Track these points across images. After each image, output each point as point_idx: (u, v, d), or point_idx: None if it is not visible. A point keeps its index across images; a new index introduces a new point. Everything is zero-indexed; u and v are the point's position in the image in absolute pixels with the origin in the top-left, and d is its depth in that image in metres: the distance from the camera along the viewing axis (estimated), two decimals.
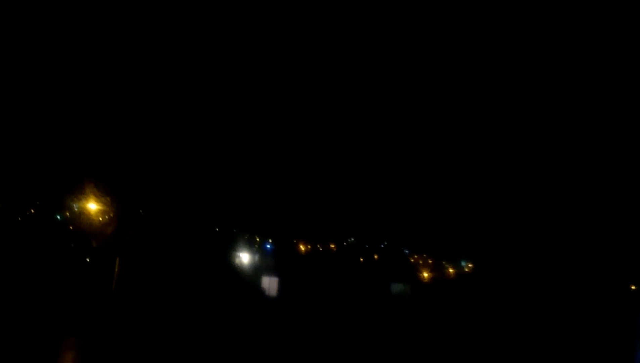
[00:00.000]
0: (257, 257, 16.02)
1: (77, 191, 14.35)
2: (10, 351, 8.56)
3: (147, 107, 14.56)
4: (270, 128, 15.59)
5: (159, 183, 14.79)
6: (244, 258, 15.49)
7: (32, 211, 14.80)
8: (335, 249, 18.49)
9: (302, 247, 17.83)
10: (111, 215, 14.29)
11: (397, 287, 16.61)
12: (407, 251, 18.43)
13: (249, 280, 14.82)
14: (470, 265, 18.70)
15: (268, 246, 17.29)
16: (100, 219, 14.31)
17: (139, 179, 14.57)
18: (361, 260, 18.42)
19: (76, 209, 14.52)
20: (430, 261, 18.24)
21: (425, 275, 17.61)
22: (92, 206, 14.17)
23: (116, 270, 13.34)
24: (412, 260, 18.42)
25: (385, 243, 18.76)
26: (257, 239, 17.05)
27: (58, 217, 14.79)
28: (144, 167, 14.69)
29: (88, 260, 13.88)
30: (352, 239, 18.88)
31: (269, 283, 15.09)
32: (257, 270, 15.44)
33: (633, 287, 17.66)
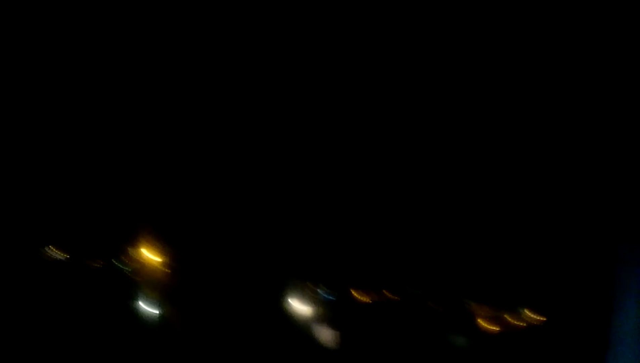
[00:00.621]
0: (313, 307, 15.93)
1: (133, 240, 14.72)
2: None
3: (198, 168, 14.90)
4: (325, 177, 15.63)
5: (212, 230, 15.01)
6: (300, 308, 15.42)
7: (92, 260, 15.23)
8: (393, 299, 18.18)
9: (359, 297, 17.59)
10: (166, 264, 14.58)
11: (457, 339, 16.19)
12: (467, 301, 17.99)
13: (305, 330, 14.74)
14: (533, 316, 18.13)
15: (325, 295, 17.16)
16: (155, 267, 14.61)
17: (191, 227, 14.84)
18: (419, 310, 18.06)
19: (132, 258, 14.89)
20: (491, 312, 17.71)
21: (486, 325, 17.11)
22: (153, 256, 14.52)
23: (175, 318, 13.57)
24: (472, 310, 17.93)
25: (445, 293, 18.38)
26: (313, 287, 16.98)
27: (115, 263, 15.19)
28: (195, 215, 14.96)
29: (142, 305, 14.15)
30: (411, 288, 18.53)
31: (325, 334, 14.97)
32: (313, 320, 15.35)
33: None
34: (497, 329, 17.00)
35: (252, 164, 14.40)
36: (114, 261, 15.18)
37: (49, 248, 15.23)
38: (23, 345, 11.03)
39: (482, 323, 17.05)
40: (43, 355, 10.73)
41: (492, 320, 17.19)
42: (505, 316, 16.99)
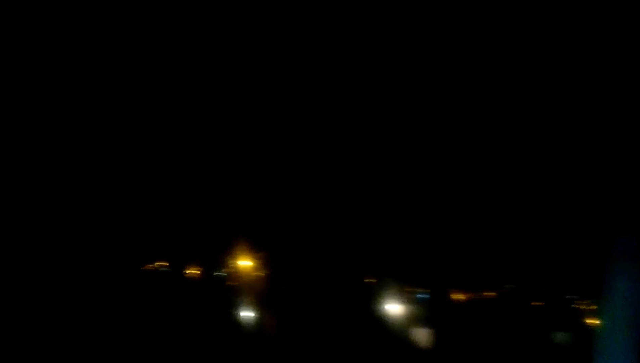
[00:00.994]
0: (408, 308, 15.83)
1: (232, 249, 15.17)
2: None
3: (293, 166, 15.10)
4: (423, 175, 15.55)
5: (309, 235, 15.22)
6: (395, 309, 15.36)
7: (193, 269, 15.82)
8: (492, 297, 17.75)
9: (456, 296, 17.30)
10: (266, 272, 14.93)
11: (560, 336, 15.61)
12: (571, 298, 17.28)
13: (400, 332, 14.66)
14: None
15: (420, 295, 17.02)
16: (256, 276, 15.00)
17: (289, 235, 15.11)
18: (520, 308, 17.52)
19: (232, 267, 15.34)
20: (595, 306, 16.89)
21: (591, 321, 16.39)
22: (247, 263, 14.93)
23: (270, 322, 13.88)
24: (577, 307, 17.20)
25: (546, 289, 17.74)
26: (408, 289, 16.86)
27: (215, 274, 15.71)
28: (293, 222, 15.22)
29: (244, 314, 14.53)
30: (511, 286, 18.04)
31: (422, 335, 14.82)
32: (408, 322, 15.24)
33: None
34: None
35: (336, 167, 14.53)
36: (212, 270, 15.75)
37: (151, 260, 16.00)
38: (127, 351, 11.62)
39: (587, 319, 16.35)
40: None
41: (596, 315, 16.46)
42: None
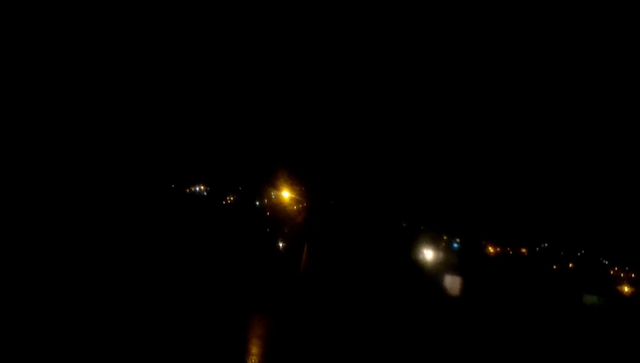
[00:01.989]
0: (442, 255, 15.89)
1: (274, 181, 15.31)
2: (203, 324, 9.44)
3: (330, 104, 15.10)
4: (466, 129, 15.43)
5: (349, 176, 15.26)
6: (429, 255, 15.43)
7: (234, 197, 16.08)
8: (526, 254, 17.64)
9: (490, 249, 17.24)
10: (303, 204, 15.05)
11: (590, 299, 15.51)
12: (606, 262, 17.06)
13: (431, 277, 14.75)
14: None
15: (455, 245, 17.01)
16: (294, 207, 15.15)
17: (330, 171, 15.15)
18: (554, 267, 17.40)
19: (273, 198, 15.50)
20: (632, 275, 16.65)
21: (626, 289, 16.11)
22: (286, 194, 15.06)
23: (304, 255, 14.05)
24: (612, 272, 16.97)
25: (583, 251, 17.54)
26: (445, 237, 16.89)
27: (257, 203, 15.89)
28: (335, 159, 15.24)
29: (281, 244, 14.75)
30: (546, 244, 17.89)
31: (452, 282, 14.91)
32: (441, 268, 15.32)
33: None
34: (635, 292, 16.12)
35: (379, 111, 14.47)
36: (253, 199, 15.97)
37: (194, 185, 16.31)
38: (165, 267, 11.96)
39: (621, 285, 16.24)
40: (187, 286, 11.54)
41: (632, 282, 16.30)
42: None
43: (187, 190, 16.65)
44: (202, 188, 16.43)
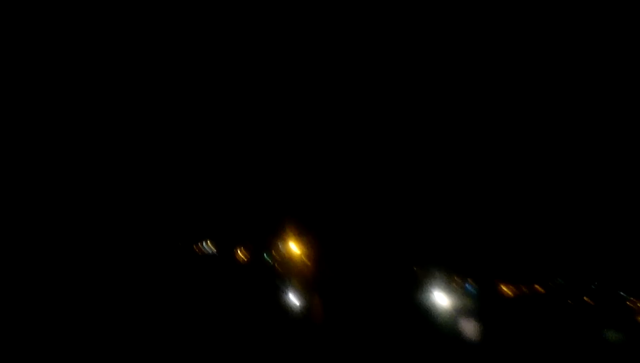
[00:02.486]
0: (455, 298, 15.70)
1: (280, 233, 15.27)
2: None
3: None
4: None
5: (355, 223, 15.21)
6: (442, 299, 15.26)
7: (244, 251, 16.03)
8: (541, 291, 17.43)
9: (504, 289, 17.05)
10: (312, 255, 14.98)
11: (611, 334, 15.25)
12: (623, 294, 16.81)
13: (447, 321, 14.57)
14: None
15: (468, 286, 16.83)
16: (303, 259, 15.08)
17: (337, 220, 15.11)
18: (569, 302, 17.18)
19: (281, 251, 15.45)
20: None
21: None
22: (294, 246, 15.03)
23: (317, 306, 13.94)
24: (630, 304, 16.73)
25: (596, 284, 17.32)
26: (456, 279, 16.68)
27: (265, 256, 15.85)
28: (341, 208, 15.21)
29: (290, 296, 14.64)
30: (560, 280, 17.67)
31: (468, 326, 14.70)
32: (456, 312, 15.13)
33: None
34: None
35: (388, 154, 14.45)
36: (262, 254, 15.90)
37: (202, 243, 16.26)
38: (173, 332, 11.85)
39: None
40: (193, 340, 11.44)
41: None
42: None
43: (195, 248, 16.65)
44: (209, 244, 16.41)
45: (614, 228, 15.98)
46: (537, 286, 16.89)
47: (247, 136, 14.13)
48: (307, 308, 14.05)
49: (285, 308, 14.28)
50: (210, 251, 16.21)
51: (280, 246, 15.41)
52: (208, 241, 16.27)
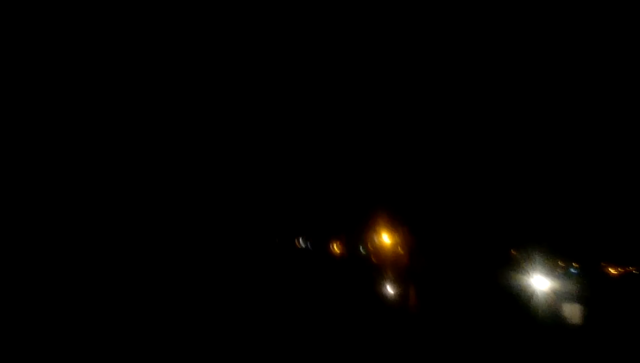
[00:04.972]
0: (559, 283, 15.13)
1: (374, 226, 15.34)
2: None
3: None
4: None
5: (447, 209, 15.02)
6: (545, 284, 14.76)
7: (338, 244, 16.21)
8: None
9: (610, 270, 16.23)
10: (406, 245, 14.95)
11: None
12: None
13: (549, 307, 14.10)
14: None
15: (573, 270, 16.15)
16: (397, 250, 15.07)
17: (428, 207, 14.99)
18: None
19: (376, 242, 15.51)
20: None
21: None
22: (386, 238, 15.05)
23: (413, 297, 13.92)
24: None
25: None
26: (560, 263, 16.06)
27: (362, 250, 15.95)
28: (434, 194, 15.07)
29: (389, 288, 14.68)
30: None
31: (573, 311, 14.18)
32: (560, 297, 14.60)
33: None
34: None
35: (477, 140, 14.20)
36: (357, 246, 16.03)
37: (297, 239, 16.59)
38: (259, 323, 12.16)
39: None
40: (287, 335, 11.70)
41: None
42: None
43: (295, 244, 17.01)
44: (305, 240, 16.73)
45: None
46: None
47: (330, 128, 14.30)
48: (404, 297, 14.06)
49: (382, 298, 14.36)
50: (305, 246, 16.53)
51: (374, 237, 15.48)
52: (303, 237, 16.60)
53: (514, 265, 15.20)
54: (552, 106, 13.32)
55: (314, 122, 15.10)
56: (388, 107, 14.25)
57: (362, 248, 15.65)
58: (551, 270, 15.21)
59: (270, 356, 10.49)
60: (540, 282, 14.56)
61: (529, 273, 14.71)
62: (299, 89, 14.13)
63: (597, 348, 11.86)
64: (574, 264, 16.00)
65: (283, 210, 15.88)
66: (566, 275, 15.74)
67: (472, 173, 15.28)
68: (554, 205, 15.44)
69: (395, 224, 14.90)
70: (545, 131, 14.26)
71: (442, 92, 13.85)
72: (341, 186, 15.65)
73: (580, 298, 14.38)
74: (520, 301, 13.75)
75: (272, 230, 16.13)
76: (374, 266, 15.08)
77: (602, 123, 13.16)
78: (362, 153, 15.51)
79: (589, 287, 15.19)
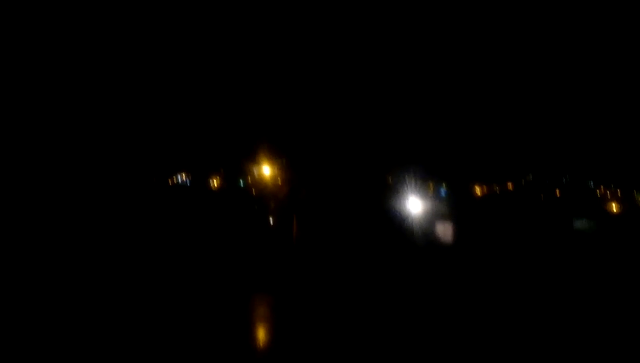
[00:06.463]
0: (430, 203, 15.93)
1: (254, 158, 15.26)
2: (204, 308, 9.51)
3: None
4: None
5: (327, 138, 15.21)
6: (418, 206, 15.48)
7: (218, 179, 16.00)
8: (512, 188, 17.72)
9: (477, 189, 17.30)
10: (285, 177, 15.03)
11: (581, 223, 15.70)
12: (591, 184, 17.17)
13: (423, 227, 14.83)
14: None
15: (442, 190, 17.07)
16: (277, 181, 15.13)
17: (307, 136, 15.09)
18: (542, 197, 17.54)
19: (255, 175, 15.45)
20: (619, 193, 16.80)
21: (614, 208, 16.26)
22: (267, 170, 15.05)
23: (294, 226, 14.09)
24: (599, 193, 17.12)
25: (567, 176, 17.61)
26: (430, 184, 16.92)
27: (241, 183, 15.85)
28: (310, 126, 15.16)
29: (270, 219, 14.76)
30: (531, 176, 17.94)
31: (444, 229, 14.99)
32: (431, 217, 15.38)
33: None
34: (624, 209, 16.31)
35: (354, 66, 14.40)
36: (233, 179, 15.92)
37: (176, 172, 16.20)
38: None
39: (610, 204, 16.45)
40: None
41: (619, 200, 16.47)
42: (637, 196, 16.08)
43: (170, 181, 16.59)
44: (183, 176, 16.35)
45: (580, 120, 16.14)
46: (509, 183, 17.22)
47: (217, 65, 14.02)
48: (285, 227, 14.21)
49: (263, 229, 14.42)
50: (183, 182, 16.18)
51: (253, 170, 15.42)
52: (182, 173, 16.21)
53: (390, 190, 15.79)
54: None
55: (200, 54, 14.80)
56: (269, 45, 14.14)
57: (242, 181, 15.58)
58: (423, 192, 15.96)
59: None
60: (414, 204, 15.25)
61: (403, 197, 15.35)
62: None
63: (474, 260, 12.66)
64: (444, 185, 16.91)
65: (158, 145, 15.40)
66: (437, 195, 16.62)
67: (346, 103, 15.47)
68: (423, 131, 16.03)
69: (274, 157, 14.91)
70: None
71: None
72: (220, 120, 15.37)
73: (451, 216, 15.25)
74: (396, 223, 14.34)
75: (148, 167, 15.63)
76: (254, 198, 15.08)
77: None
78: (238, 86, 15.26)
79: (458, 206, 16.14)
